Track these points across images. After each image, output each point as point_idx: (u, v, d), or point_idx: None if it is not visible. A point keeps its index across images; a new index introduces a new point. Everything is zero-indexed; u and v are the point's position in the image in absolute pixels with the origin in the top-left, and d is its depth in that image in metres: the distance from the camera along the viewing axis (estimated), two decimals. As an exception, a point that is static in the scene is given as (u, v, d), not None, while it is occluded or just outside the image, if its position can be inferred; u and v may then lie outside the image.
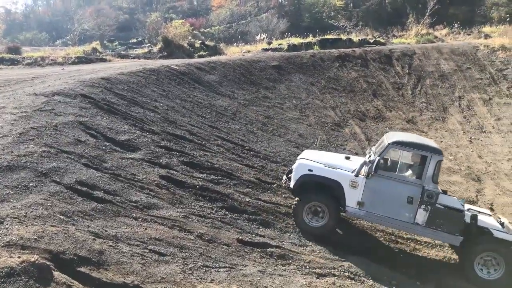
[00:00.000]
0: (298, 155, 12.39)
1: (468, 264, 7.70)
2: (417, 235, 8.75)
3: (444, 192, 8.85)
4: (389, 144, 7.94)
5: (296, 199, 8.33)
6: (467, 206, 8.66)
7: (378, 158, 7.84)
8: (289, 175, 8.85)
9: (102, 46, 27.41)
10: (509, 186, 12.02)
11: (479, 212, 8.43)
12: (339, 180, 8.01)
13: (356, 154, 13.65)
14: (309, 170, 8.19)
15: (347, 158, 8.82)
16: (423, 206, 7.73)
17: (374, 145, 9.72)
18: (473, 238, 7.68)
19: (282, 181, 9.25)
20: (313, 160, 8.43)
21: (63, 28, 35.73)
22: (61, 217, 5.40)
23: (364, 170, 7.87)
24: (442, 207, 7.75)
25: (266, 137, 13.01)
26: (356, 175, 7.89)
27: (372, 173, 7.80)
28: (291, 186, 8.45)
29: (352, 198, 7.98)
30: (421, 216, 7.76)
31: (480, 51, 21.84)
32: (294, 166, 8.55)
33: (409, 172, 8.22)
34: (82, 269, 4.51)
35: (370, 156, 8.24)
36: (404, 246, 8.90)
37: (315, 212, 8.23)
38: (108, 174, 7.35)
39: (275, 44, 24.89)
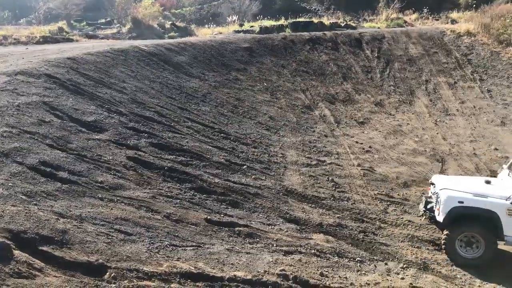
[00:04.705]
0: (269, 137, 12.48)
1: None
2: None
3: None
4: None
5: (446, 232, 8.00)
6: None
7: None
8: (427, 206, 8.62)
9: (68, 26, 26.49)
10: (470, 166, 12.47)
11: None
12: (494, 210, 7.61)
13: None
14: (460, 202, 7.79)
15: (488, 182, 8.41)
16: None
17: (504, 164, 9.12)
18: None
19: (420, 212, 8.99)
20: (459, 190, 8.03)
21: (27, 6, 34.28)
22: (23, 197, 5.30)
23: None
24: None
25: (236, 119, 13.02)
26: None
27: None
28: (440, 219, 8.03)
29: (510, 227, 7.59)
30: None
31: (446, 36, 22.33)
32: (440, 199, 8.04)
33: None
34: (44, 248, 4.45)
35: None
36: (370, 224, 9.15)
37: (468, 243, 7.87)
38: (73, 155, 7.22)
39: (247, 26, 24.75)
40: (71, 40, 20.48)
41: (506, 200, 7.63)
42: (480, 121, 16.12)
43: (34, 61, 11.00)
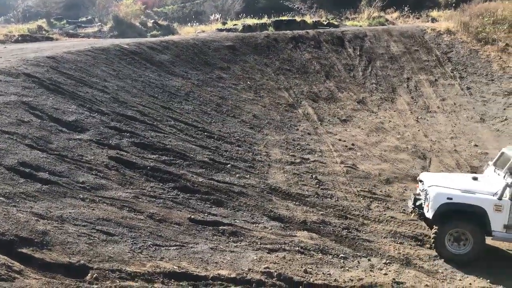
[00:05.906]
0: (253, 136, 12.47)
1: None
2: None
3: None
4: None
5: (435, 228, 8.07)
6: None
7: None
8: (416, 203, 8.71)
9: (48, 25, 26.05)
10: (451, 162, 12.69)
11: None
12: (482, 206, 7.75)
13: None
14: (448, 198, 7.88)
15: (475, 178, 8.58)
16: None
17: (491, 161, 9.13)
18: None
19: (409, 209, 9.05)
20: (447, 187, 8.12)
21: (5, 4, 33.62)
22: (1, 198, 5.20)
23: (508, 192, 7.64)
24: None
25: (220, 118, 12.98)
26: (500, 198, 7.65)
27: None
28: (429, 216, 8.09)
29: (498, 222, 7.73)
30: None
31: (427, 34, 22.61)
32: (429, 196, 8.12)
33: None
34: (24, 250, 4.38)
35: (504, 176, 7.94)
36: (353, 221, 9.23)
37: (457, 239, 7.96)
38: (53, 155, 7.11)
39: (230, 24, 24.69)
40: (51, 39, 20.14)
41: (493, 195, 7.79)
42: (460, 118, 16.39)
43: (12, 60, 10.79)
